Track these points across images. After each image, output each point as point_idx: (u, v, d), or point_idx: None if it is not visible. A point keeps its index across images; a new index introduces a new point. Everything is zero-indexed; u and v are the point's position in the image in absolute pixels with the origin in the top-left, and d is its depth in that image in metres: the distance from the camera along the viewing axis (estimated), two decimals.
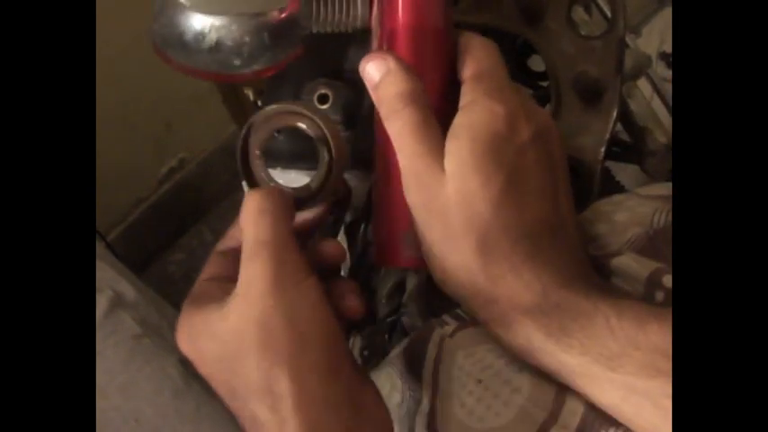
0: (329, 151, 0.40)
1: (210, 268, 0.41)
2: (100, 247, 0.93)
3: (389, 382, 0.44)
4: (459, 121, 0.36)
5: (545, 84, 0.58)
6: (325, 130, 0.39)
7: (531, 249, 0.35)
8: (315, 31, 0.44)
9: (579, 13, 0.49)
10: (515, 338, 0.36)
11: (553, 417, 0.37)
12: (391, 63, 0.38)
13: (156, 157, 1.36)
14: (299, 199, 0.40)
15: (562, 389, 0.37)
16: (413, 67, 0.38)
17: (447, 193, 0.35)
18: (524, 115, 0.37)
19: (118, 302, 0.68)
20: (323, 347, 0.35)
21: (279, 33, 0.43)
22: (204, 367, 0.37)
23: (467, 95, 0.37)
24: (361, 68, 0.39)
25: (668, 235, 0.39)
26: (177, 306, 0.86)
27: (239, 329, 0.34)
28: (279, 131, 0.40)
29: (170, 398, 0.64)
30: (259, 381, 0.34)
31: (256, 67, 0.44)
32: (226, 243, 0.41)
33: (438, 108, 0.39)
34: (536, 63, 0.62)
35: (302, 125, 0.40)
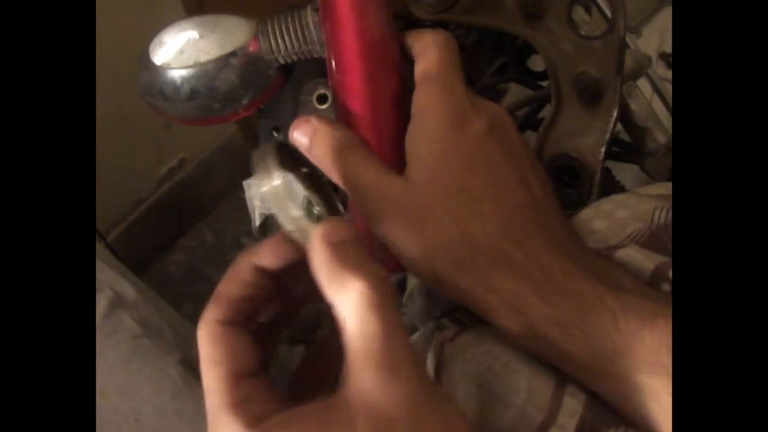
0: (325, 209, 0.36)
1: (232, 353, 0.32)
2: (100, 247, 0.93)
3: None
4: (412, 128, 0.38)
5: (545, 84, 0.58)
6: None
7: (520, 235, 0.35)
8: (282, 62, 0.46)
9: (579, 13, 0.49)
10: (518, 326, 0.36)
11: (551, 417, 0.37)
12: (315, 123, 0.39)
13: (156, 157, 1.36)
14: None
15: (559, 389, 0.37)
16: (340, 121, 0.40)
17: (418, 202, 0.36)
18: (474, 111, 0.37)
19: (118, 302, 0.68)
20: None
21: (247, 72, 0.46)
22: None
23: (417, 100, 0.38)
24: (290, 138, 0.40)
25: (671, 231, 0.39)
26: (177, 306, 0.86)
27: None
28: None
29: (170, 398, 0.64)
30: None
31: (237, 106, 0.48)
32: (220, 310, 0.34)
33: (396, 117, 0.40)
34: (536, 63, 0.62)
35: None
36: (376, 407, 0.26)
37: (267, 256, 0.33)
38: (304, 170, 0.38)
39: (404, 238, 0.36)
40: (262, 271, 0.33)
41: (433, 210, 0.36)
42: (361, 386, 0.27)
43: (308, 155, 0.39)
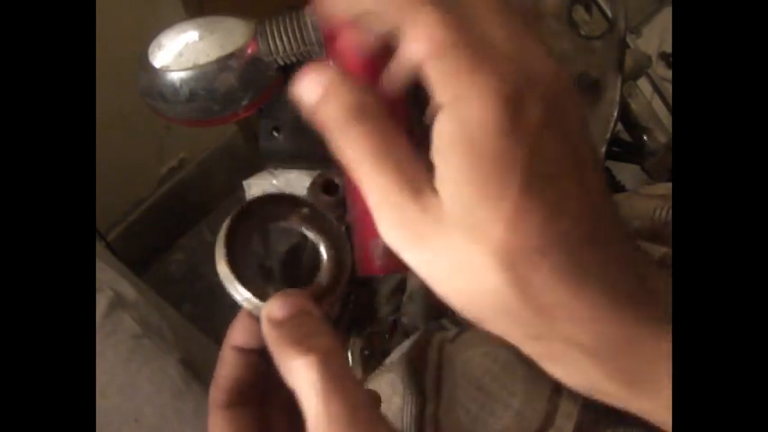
0: (333, 247, 0.35)
1: (233, 374, 0.33)
2: (100, 247, 0.93)
3: (391, 387, 0.44)
4: (443, 127, 0.27)
5: None
6: (325, 228, 0.35)
7: (575, 270, 0.27)
8: (281, 63, 0.46)
9: (579, 13, 0.49)
10: (572, 377, 0.29)
11: (549, 420, 0.37)
12: (330, 73, 0.29)
13: (156, 157, 1.36)
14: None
15: (556, 392, 0.37)
16: (360, 77, 0.30)
17: (449, 229, 0.27)
18: (528, 86, 0.26)
19: (118, 302, 0.68)
20: None
21: (246, 74, 0.46)
22: None
23: (442, 87, 0.27)
24: (294, 91, 0.30)
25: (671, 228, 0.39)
26: (177, 306, 0.86)
27: None
28: (271, 232, 0.35)
29: (170, 398, 0.64)
30: None
31: (236, 107, 0.48)
32: (242, 337, 0.33)
33: (398, 115, 0.40)
34: None
35: (299, 227, 0.35)
36: None
37: (239, 336, 0.32)
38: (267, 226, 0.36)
39: (428, 271, 0.28)
40: (243, 351, 0.32)
41: (471, 243, 0.26)
42: None
43: (312, 117, 0.31)
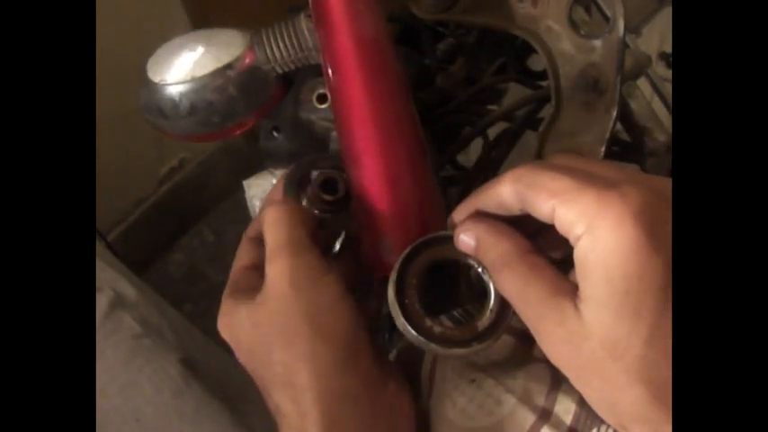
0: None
1: (243, 255, 0.43)
2: (100, 247, 0.93)
3: None
4: (586, 254, 0.30)
5: (545, 83, 0.58)
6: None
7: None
8: (280, 71, 0.46)
9: (579, 12, 0.49)
10: None
11: (545, 415, 0.37)
12: (478, 231, 0.35)
13: (156, 157, 1.36)
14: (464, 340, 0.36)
15: (554, 388, 0.37)
16: (494, 225, 0.35)
17: (591, 346, 0.29)
18: (663, 203, 0.30)
19: (118, 302, 0.68)
20: (341, 342, 0.37)
21: (245, 84, 0.46)
22: (240, 355, 0.40)
23: (577, 224, 0.30)
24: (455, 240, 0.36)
25: None
26: (177, 306, 0.86)
27: (265, 324, 0.37)
28: (435, 267, 0.37)
29: (170, 398, 0.64)
30: (282, 374, 0.37)
31: (238, 119, 0.47)
32: (255, 227, 0.43)
33: (395, 116, 0.40)
34: (536, 63, 0.62)
35: (469, 261, 0.37)
36: (271, 284, 0.38)
37: (276, 192, 0.44)
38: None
39: (580, 380, 0.31)
40: (277, 203, 0.43)
41: (613, 359, 0.29)
42: (266, 272, 0.38)
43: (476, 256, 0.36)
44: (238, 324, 0.39)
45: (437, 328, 0.35)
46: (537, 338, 0.32)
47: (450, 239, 0.36)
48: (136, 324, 0.68)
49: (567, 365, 0.31)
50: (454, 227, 0.36)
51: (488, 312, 0.36)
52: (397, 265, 0.37)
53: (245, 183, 0.62)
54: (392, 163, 0.40)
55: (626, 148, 0.57)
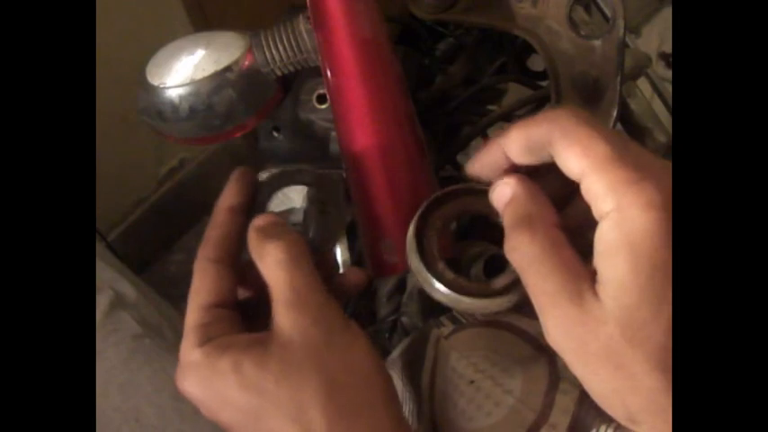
0: None
1: (207, 286, 0.37)
2: (100, 247, 0.93)
3: None
4: (607, 235, 0.29)
5: (545, 83, 0.58)
6: None
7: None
8: (279, 73, 0.46)
9: (579, 13, 0.49)
10: None
11: (544, 416, 0.37)
12: (514, 185, 0.33)
13: (156, 157, 1.36)
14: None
15: (552, 388, 0.37)
16: (533, 187, 0.33)
17: (609, 331, 0.28)
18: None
19: (118, 302, 0.68)
20: (383, 400, 0.34)
21: (244, 86, 0.46)
22: (221, 419, 0.35)
23: (604, 198, 0.29)
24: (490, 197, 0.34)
25: None
26: (177, 306, 0.86)
27: (269, 388, 0.33)
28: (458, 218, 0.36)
29: (170, 398, 0.64)
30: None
31: (237, 121, 0.47)
32: (214, 243, 0.38)
33: (393, 114, 0.40)
34: (536, 63, 0.62)
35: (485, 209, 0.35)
36: (287, 338, 0.33)
37: (232, 197, 0.39)
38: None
39: (588, 371, 0.30)
40: (233, 211, 0.39)
41: (632, 345, 0.28)
42: (276, 322, 0.34)
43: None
44: (222, 383, 0.33)
45: (449, 275, 0.34)
46: (544, 318, 0.30)
47: (483, 194, 0.34)
48: (136, 324, 0.68)
49: (576, 350, 0.29)
50: (475, 173, 0.34)
51: (507, 273, 0.34)
52: (424, 205, 0.35)
53: None
54: (391, 163, 0.40)
55: None
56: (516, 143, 0.32)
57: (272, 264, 0.35)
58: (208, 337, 0.35)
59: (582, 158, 0.29)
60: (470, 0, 0.49)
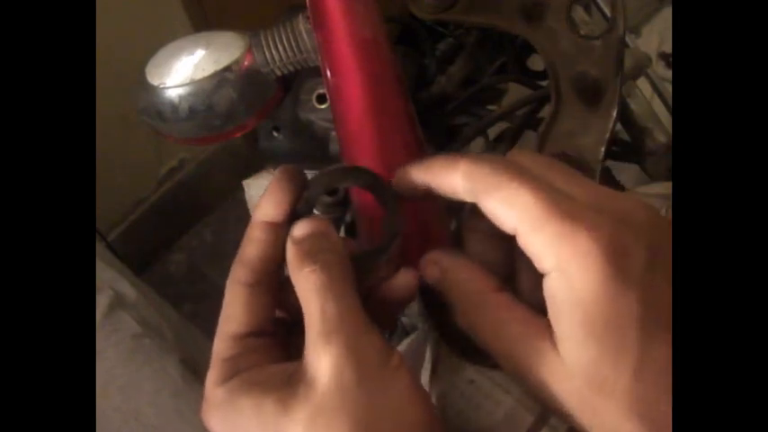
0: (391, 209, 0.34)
1: (237, 312, 0.32)
2: (100, 247, 0.93)
3: None
4: (554, 292, 0.28)
5: (545, 83, 0.58)
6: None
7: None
8: (279, 73, 0.46)
9: (579, 13, 0.49)
10: None
11: (542, 418, 0.37)
12: (444, 265, 0.32)
13: (156, 157, 1.36)
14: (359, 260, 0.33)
15: None
16: (464, 263, 0.32)
17: (576, 385, 0.28)
18: (624, 232, 0.28)
19: (118, 302, 0.68)
20: None
21: (244, 86, 0.46)
22: None
23: (545, 257, 0.28)
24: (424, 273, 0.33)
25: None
26: (177, 306, 0.86)
27: (312, 424, 0.28)
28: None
29: (170, 398, 0.64)
30: None
31: (237, 121, 0.47)
32: (250, 263, 0.33)
33: (393, 114, 0.40)
34: (536, 63, 0.62)
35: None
36: (315, 377, 0.29)
37: (269, 208, 0.32)
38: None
39: (564, 417, 0.29)
40: (272, 225, 0.32)
41: (601, 396, 0.28)
42: (306, 357, 0.30)
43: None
44: (244, 424, 0.30)
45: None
46: (521, 382, 0.30)
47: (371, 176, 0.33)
48: (136, 324, 0.68)
49: (556, 407, 0.29)
50: (402, 179, 0.32)
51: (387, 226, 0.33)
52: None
53: (245, 183, 0.62)
54: (391, 163, 0.40)
55: (626, 148, 0.57)
56: (441, 189, 0.31)
57: (306, 290, 0.30)
58: (235, 371, 0.31)
59: (510, 216, 0.29)
60: (470, 0, 0.49)
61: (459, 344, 0.34)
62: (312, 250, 0.31)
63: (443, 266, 0.32)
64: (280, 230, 0.32)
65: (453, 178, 0.30)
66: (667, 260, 0.28)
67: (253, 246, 0.32)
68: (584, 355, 0.28)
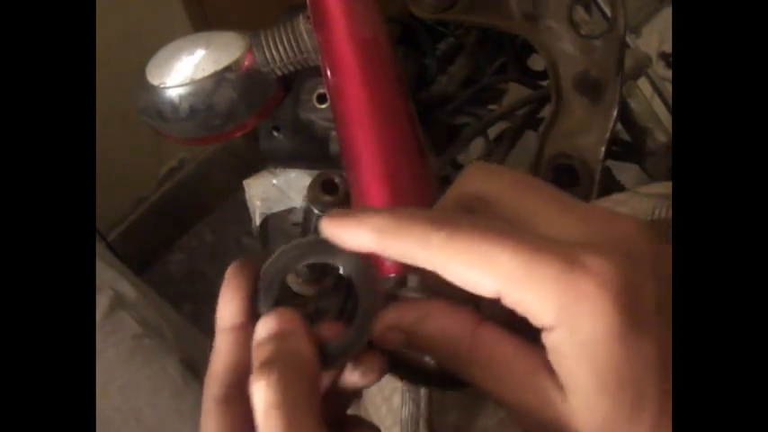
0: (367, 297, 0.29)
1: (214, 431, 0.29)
2: (100, 247, 0.93)
3: (390, 384, 0.44)
4: (559, 347, 0.25)
5: (545, 83, 0.58)
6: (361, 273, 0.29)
7: None
8: (279, 73, 0.46)
9: (579, 12, 0.49)
10: None
11: None
12: (408, 321, 0.28)
13: (156, 157, 1.36)
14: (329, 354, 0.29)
15: None
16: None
17: None
18: (637, 268, 0.25)
19: (118, 302, 0.68)
20: None
21: (244, 86, 0.46)
22: None
23: (541, 313, 0.24)
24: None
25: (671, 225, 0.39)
26: (177, 306, 0.86)
27: None
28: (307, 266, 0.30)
29: (170, 397, 0.64)
30: None
31: (237, 121, 0.47)
32: (220, 387, 0.29)
33: (392, 115, 0.40)
34: (536, 62, 0.62)
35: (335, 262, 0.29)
36: None
37: (229, 312, 0.29)
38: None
39: None
40: (236, 329, 0.29)
41: None
42: None
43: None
44: None
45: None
46: (519, 419, 0.27)
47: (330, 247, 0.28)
48: (136, 324, 0.68)
49: None
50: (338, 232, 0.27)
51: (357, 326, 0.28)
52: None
53: (245, 183, 0.62)
54: (391, 163, 0.40)
55: (626, 148, 0.57)
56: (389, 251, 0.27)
57: (258, 406, 0.26)
58: None
59: (488, 281, 0.25)
60: (470, 0, 0.49)
61: (436, 381, 0.31)
62: (269, 358, 0.27)
63: (406, 328, 0.28)
64: (243, 334, 0.29)
65: (398, 245, 0.26)
66: (670, 295, 0.26)
67: (218, 357, 0.29)
68: (598, 412, 0.25)
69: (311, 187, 0.42)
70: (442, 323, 0.27)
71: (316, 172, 0.43)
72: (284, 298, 0.29)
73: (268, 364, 0.26)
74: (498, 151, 0.59)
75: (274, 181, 0.58)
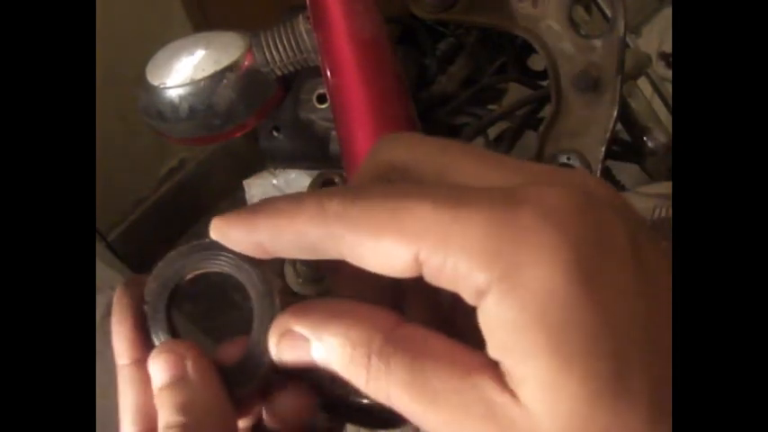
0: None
1: None
2: (100, 247, 0.93)
3: None
4: (504, 318, 0.18)
5: (545, 83, 0.58)
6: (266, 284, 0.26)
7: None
8: (279, 74, 0.46)
9: (579, 12, 0.49)
10: None
11: None
12: (312, 327, 0.23)
13: (156, 157, 1.36)
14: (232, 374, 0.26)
15: None
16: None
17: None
18: (601, 206, 0.20)
19: None
20: None
21: (244, 86, 0.46)
22: None
23: (467, 269, 0.18)
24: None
25: (671, 224, 0.39)
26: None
27: None
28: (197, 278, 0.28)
29: None
30: None
31: (237, 121, 0.48)
32: (128, 419, 0.27)
33: (392, 115, 0.40)
34: (536, 62, 0.62)
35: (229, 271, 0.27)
36: None
37: (124, 349, 0.27)
38: None
39: None
40: (135, 365, 0.27)
41: None
42: None
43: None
44: None
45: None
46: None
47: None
48: None
49: None
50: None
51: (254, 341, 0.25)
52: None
53: (245, 183, 0.62)
54: None
55: (626, 148, 0.57)
56: (284, 249, 0.23)
57: None
58: None
59: (402, 250, 0.19)
60: (470, 0, 0.49)
61: (367, 420, 0.26)
62: (169, 423, 0.24)
63: (307, 333, 0.22)
64: (142, 370, 0.26)
65: (301, 231, 0.21)
66: (654, 247, 0.21)
67: (122, 399, 0.27)
68: (561, 404, 0.18)
69: (311, 187, 0.42)
70: (349, 323, 0.21)
71: (316, 172, 0.43)
72: (178, 316, 0.26)
73: (171, 429, 0.24)
74: (498, 151, 0.59)
75: (274, 181, 0.58)
